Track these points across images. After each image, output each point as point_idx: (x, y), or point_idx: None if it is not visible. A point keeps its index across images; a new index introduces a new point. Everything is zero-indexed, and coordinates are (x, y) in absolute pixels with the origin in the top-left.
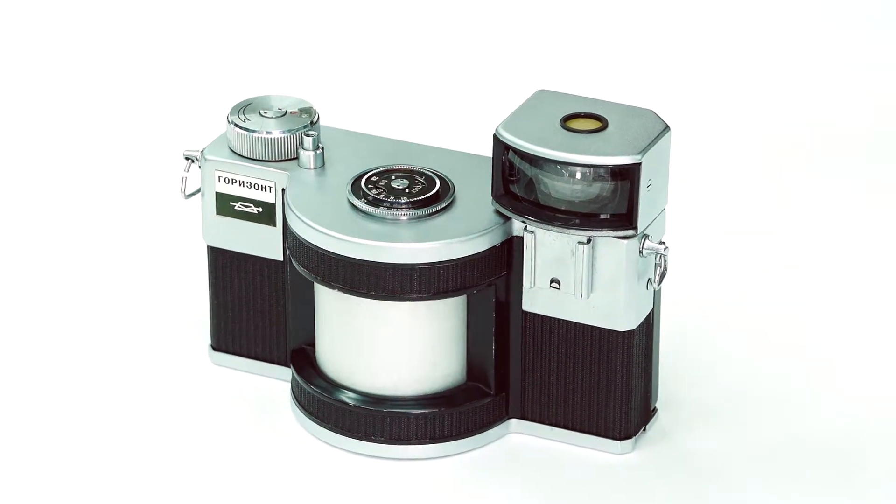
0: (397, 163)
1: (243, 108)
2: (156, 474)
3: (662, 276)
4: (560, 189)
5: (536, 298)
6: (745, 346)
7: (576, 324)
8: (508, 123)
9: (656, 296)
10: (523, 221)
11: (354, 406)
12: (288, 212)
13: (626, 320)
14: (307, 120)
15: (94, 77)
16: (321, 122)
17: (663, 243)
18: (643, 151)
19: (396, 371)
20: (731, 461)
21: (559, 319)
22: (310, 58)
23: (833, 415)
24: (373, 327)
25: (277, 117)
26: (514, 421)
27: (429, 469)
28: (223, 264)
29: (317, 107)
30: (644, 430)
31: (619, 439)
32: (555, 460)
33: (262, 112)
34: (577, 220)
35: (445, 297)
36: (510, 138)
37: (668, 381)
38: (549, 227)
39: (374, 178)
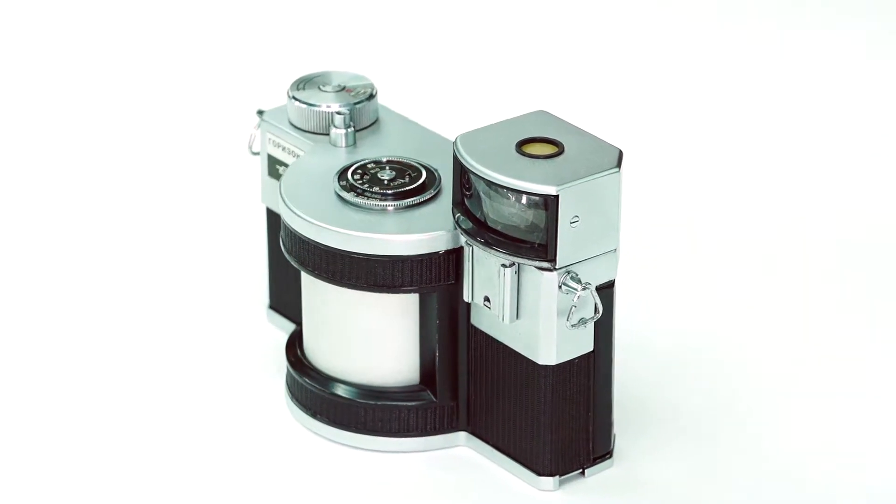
0: (427, 156)
1: (310, 79)
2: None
3: (591, 317)
4: (498, 210)
5: (482, 314)
6: (714, 398)
7: (507, 347)
8: (470, 135)
9: (602, 338)
10: (461, 233)
11: (305, 382)
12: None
13: (545, 354)
14: (360, 97)
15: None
16: (390, 107)
17: (588, 286)
18: (566, 184)
19: (342, 356)
20: None
21: (496, 339)
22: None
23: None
24: (322, 308)
25: (331, 91)
26: (464, 434)
27: (356, 459)
28: (274, 226)
29: (384, 89)
30: (582, 472)
31: (540, 475)
32: (482, 484)
33: (321, 86)
34: (500, 242)
35: (381, 292)
36: (459, 148)
37: (632, 427)
38: (475, 243)
39: (370, 166)
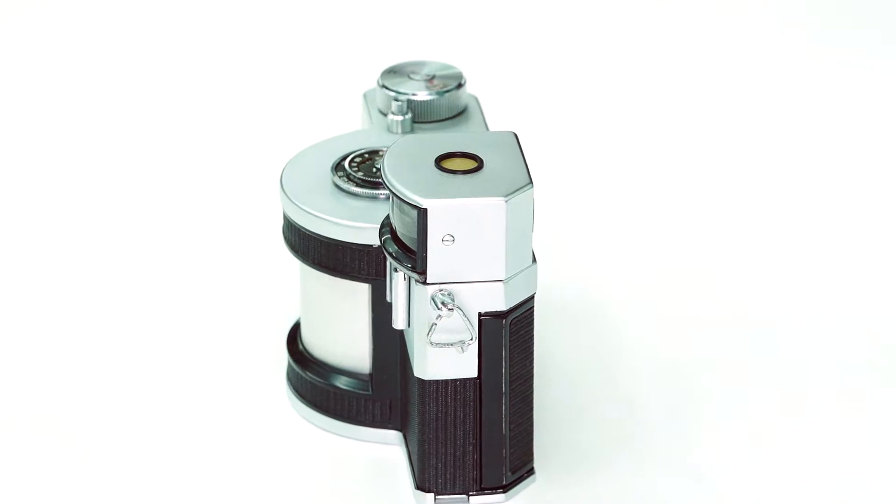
0: None
1: (404, 66)
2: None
3: (468, 341)
4: (399, 216)
5: None
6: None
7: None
8: (408, 139)
9: (489, 369)
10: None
11: (285, 352)
12: None
13: (418, 366)
14: (441, 88)
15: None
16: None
17: (458, 308)
18: (438, 200)
19: (307, 329)
20: None
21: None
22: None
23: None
24: (301, 282)
25: (418, 80)
26: (396, 434)
27: (299, 430)
28: None
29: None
30: (467, 499)
31: (418, 488)
32: (372, 485)
33: (410, 74)
34: (390, 247)
35: (321, 271)
36: (387, 150)
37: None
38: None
39: (379, 154)
